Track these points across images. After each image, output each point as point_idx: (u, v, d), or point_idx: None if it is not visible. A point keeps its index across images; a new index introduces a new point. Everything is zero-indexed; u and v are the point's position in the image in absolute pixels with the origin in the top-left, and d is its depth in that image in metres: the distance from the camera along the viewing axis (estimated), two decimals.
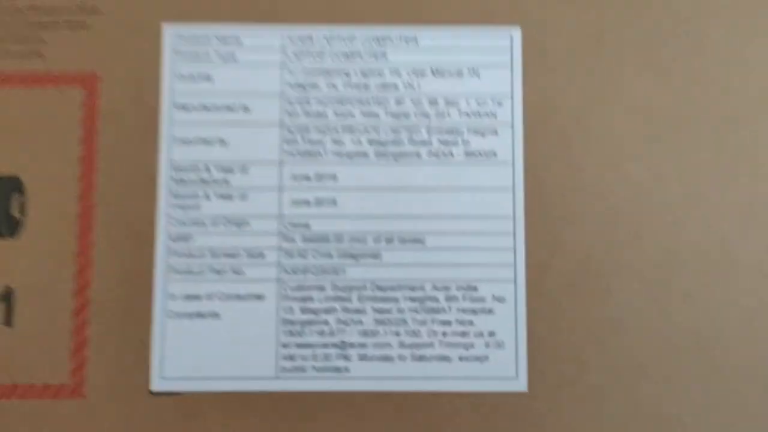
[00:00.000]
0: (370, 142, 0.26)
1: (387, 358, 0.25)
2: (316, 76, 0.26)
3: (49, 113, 0.25)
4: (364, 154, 0.25)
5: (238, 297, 0.25)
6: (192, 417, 0.25)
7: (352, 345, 0.25)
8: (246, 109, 0.26)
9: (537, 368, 0.25)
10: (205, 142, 0.25)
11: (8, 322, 0.25)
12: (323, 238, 0.25)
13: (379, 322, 0.25)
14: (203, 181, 0.25)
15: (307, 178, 0.25)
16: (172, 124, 0.25)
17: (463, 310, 0.25)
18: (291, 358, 0.25)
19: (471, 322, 0.25)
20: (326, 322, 0.25)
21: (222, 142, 0.25)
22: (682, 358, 0.25)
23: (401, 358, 0.25)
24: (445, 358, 0.25)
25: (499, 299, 0.25)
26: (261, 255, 0.25)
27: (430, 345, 0.25)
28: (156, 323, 0.25)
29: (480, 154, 0.26)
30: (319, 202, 0.25)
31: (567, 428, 0.25)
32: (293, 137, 0.26)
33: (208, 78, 0.26)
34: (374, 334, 0.25)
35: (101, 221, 0.25)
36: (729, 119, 0.26)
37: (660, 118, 0.26)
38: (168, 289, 0.25)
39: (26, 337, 0.25)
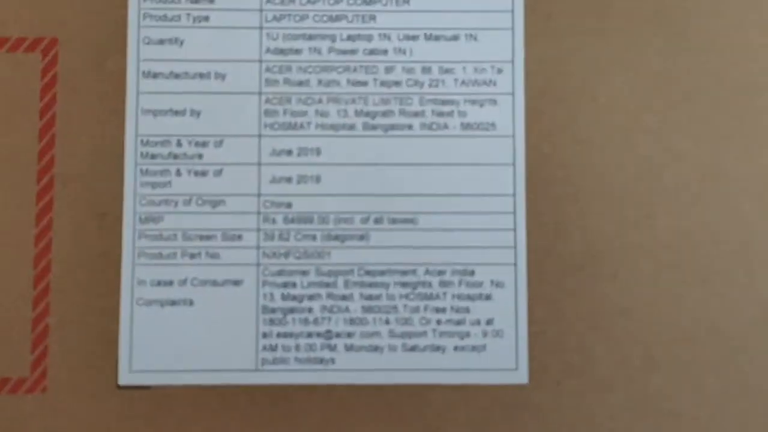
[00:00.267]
0: (358, 113, 0.24)
1: (376, 349, 0.23)
2: (298, 41, 0.24)
3: (4, 81, 0.24)
4: (351, 127, 0.24)
5: (214, 283, 0.23)
6: (164, 413, 0.23)
7: (338, 334, 0.23)
8: (221, 76, 0.24)
9: (538, 359, 0.23)
10: (176, 113, 0.24)
11: None
12: (306, 219, 0.24)
13: (367, 309, 0.24)
14: (174, 156, 0.24)
15: (289, 152, 0.24)
16: (139, 94, 0.24)
17: (459, 297, 0.24)
18: (272, 348, 0.23)
19: (467, 309, 0.24)
20: (310, 310, 0.23)
21: (195, 113, 0.24)
22: (696, 348, 0.23)
23: (391, 348, 0.23)
24: (439, 348, 0.23)
25: (498, 284, 0.24)
26: (238, 237, 0.23)
27: (423, 334, 0.23)
28: (124, 312, 0.23)
29: (477, 126, 0.24)
30: (302, 179, 0.24)
31: (570, 423, 0.23)
32: (273, 108, 0.24)
33: (178, 42, 0.24)
34: (362, 322, 0.23)
35: (62, 201, 0.23)
36: (750, 88, 0.24)
37: (674, 88, 0.24)
38: (137, 274, 0.23)
39: None
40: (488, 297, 0.24)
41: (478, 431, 0.23)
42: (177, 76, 0.24)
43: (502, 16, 0.24)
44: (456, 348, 0.23)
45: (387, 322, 0.24)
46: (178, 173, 0.24)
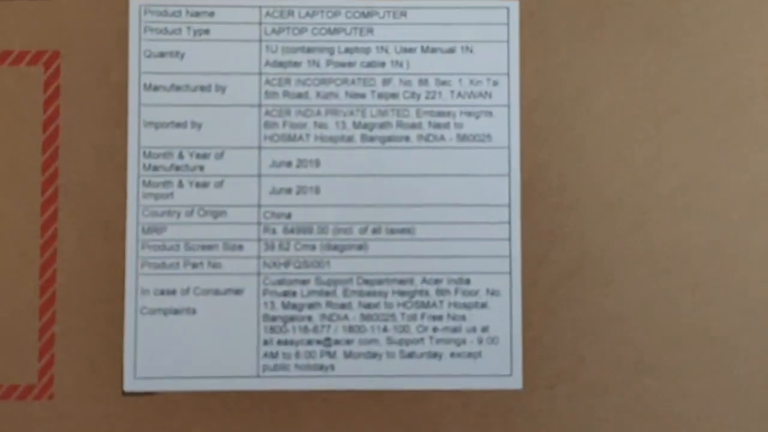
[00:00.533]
0: (356, 125, 0.24)
1: (374, 355, 0.24)
2: (297, 54, 0.24)
3: (7, 94, 0.24)
4: (349, 138, 0.24)
5: (216, 292, 0.24)
6: (168, 418, 0.24)
7: (337, 342, 0.24)
8: (221, 89, 0.24)
9: (533, 365, 0.24)
10: (178, 125, 0.24)
11: None
12: (306, 229, 0.24)
13: (365, 317, 0.24)
14: (176, 168, 0.24)
15: (288, 164, 0.24)
16: (141, 106, 0.24)
17: (455, 304, 0.24)
18: (273, 355, 0.24)
19: (463, 317, 0.24)
20: (310, 318, 0.24)
21: (196, 125, 0.24)
22: (688, 353, 0.24)
23: (389, 355, 0.24)
24: (435, 355, 0.24)
25: (494, 293, 0.24)
26: (239, 247, 0.24)
27: (420, 341, 0.24)
28: (128, 320, 0.24)
29: (473, 137, 0.24)
30: (302, 190, 0.24)
31: (564, 427, 0.24)
32: (273, 120, 0.24)
33: (179, 55, 0.24)
34: (361, 329, 0.24)
35: (66, 212, 0.24)
36: (742, 97, 0.24)
37: (667, 98, 0.24)
38: (140, 283, 0.24)
39: None
40: (484, 305, 0.24)
41: None
42: (178, 88, 0.24)
43: (498, 29, 0.24)
44: (452, 354, 0.24)
45: (385, 329, 0.24)
46: (180, 184, 0.24)
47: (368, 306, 0.24)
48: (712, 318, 0.24)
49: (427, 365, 0.24)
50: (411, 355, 0.24)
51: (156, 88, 0.24)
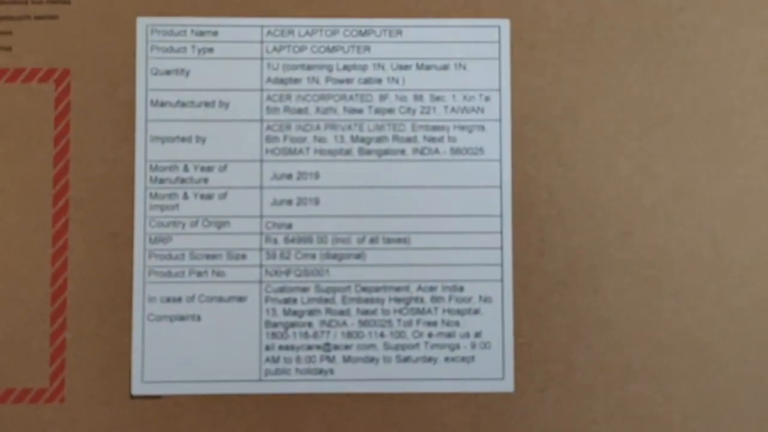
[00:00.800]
0: (354, 138, 0.25)
1: (372, 360, 0.25)
2: (297, 71, 0.25)
3: (20, 110, 0.25)
4: (347, 152, 0.25)
5: (220, 299, 0.24)
6: (174, 421, 0.24)
7: (336, 347, 0.25)
8: (225, 105, 0.25)
9: (524, 369, 0.25)
10: (183, 139, 0.25)
11: None
12: (306, 239, 0.25)
13: (363, 323, 0.25)
14: (181, 181, 0.25)
15: (289, 176, 0.25)
16: (148, 122, 0.25)
17: (449, 311, 0.25)
18: (274, 360, 0.24)
19: (457, 323, 0.25)
20: (310, 324, 0.25)
21: (200, 139, 0.25)
22: (671, 357, 0.25)
23: (386, 359, 0.25)
24: (430, 360, 0.25)
25: (486, 299, 0.25)
26: (242, 256, 0.25)
27: (416, 346, 0.25)
28: (136, 326, 0.24)
29: (466, 150, 0.25)
30: (302, 202, 0.25)
31: (554, 429, 0.25)
32: (274, 134, 0.25)
33: (184, 73, 0.25)
34: (359, 335, 0.25)
35: (77, 223, 0.24)
36: (722, 114, 0.25)
37: (651, 114, 0.25)
38: (147, 291, 0.24)
39: (4, 341, 0.24)
40: (477, 311, 0.25)
41: None
42: (183, 104, 0.25)
43: (490, 47, 0.25)
44: (447, 359, 0.25)
45: (382, 335, 0.25)
46: (186, 196, 0.25)
47: (366, 312, 0.25)
48: (694, 324, 0.25)
49: (422, 369, 0.25)
50: (407, 359, 0.25)
51: (162, 104, 0.25)
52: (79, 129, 0.25)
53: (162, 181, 0.25)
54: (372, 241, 0.25)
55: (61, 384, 0.24)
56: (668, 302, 0.25)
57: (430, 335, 0.25)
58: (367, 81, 0.25)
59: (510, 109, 0.25)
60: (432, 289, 0.25)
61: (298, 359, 0.24)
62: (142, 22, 0.25)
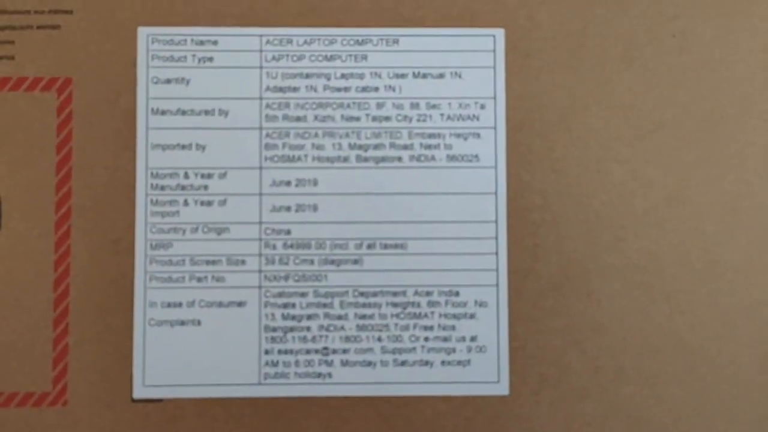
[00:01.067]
0: (351, 146, 0.25)
1: (369, 364, 0.25)
2: (296, 80, 0.25)
3: (22, 119, 0.25)
4: (345, 159, 0.25)
5: (220, 304, 0.25)
6: (175, 424, 0.25)
7: (334, 351, 0.25)
8: (224, 113, 0.25)
9: (519, 372, 0.25)
10: (183, 147, 0.25)
11: None
12: (304, 245, 0.25)
13: (361, 327, 0.25)
14: (182, 188, 0.25)
15: (288, 183, 0.25)
16: (149, 130, 0.25)
17: (445, 315, 0.25)
18: (273, 364, 0.25)
19: (453, 327, 0.25)
20: (308, 329, 0.25)
21: (200, 147, 0.25)
22: (663, 360, 0.25)
23: (383, 363, 0.25)
24: (427, 363, 0.25)
25: (482, 304, 0.25)
26: (242, 262, 0.25)
27: (413, 350, 0.25)
28: (137, 331, 0.25)
29: (462, 158, 0.25)
30: (300, 208, 0.25)
31: (548, 431, 0.25)
32: (273, 142, 0.25)
33: (185, 81, 0.25)
34: (356, 339, 0.25)
35: (79, 229, 0.25)
36: (713, 120, 0.26)
37: (644, 120, 0.26)
38: (148, 296, 0.25)
39: (7, 346, 0.25)
40: (472, 316, 0.25)
41: None
42: (184, 112, 0.25)
43: (485, 56, 0.26)
44: (443, 363, 0.25)
45: (379, 339, 0.25)
46: (186, 203, 0.25)
47: (363, 317, 0.25)
48: (686, 327, 0.25)
49: (419, 373, 0.25)
50: (404, 363, 0.25)
51: (163, 113, 0.25)
52: (81, 137, 0.25)
53: (163, 188, 0.25)
54: (369, 246, 0.25)
55: (63, 388, 0.25)
56: (660, 306, 0.25)
57: (426, 339, 0.25)
58: (364, 89, 0.25)
59: (505, 116, 0.25)
60: (428, 293, 0.25)
61: (296, 363, 0.25)
62: (143, 32, 0.25)
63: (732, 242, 0.25)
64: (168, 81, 0.25)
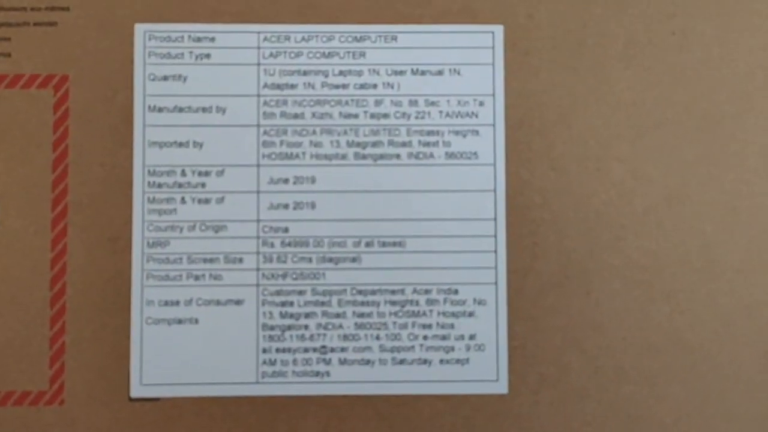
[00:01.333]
0: (349, 143, 0.25)
1: (368, 362, 0.25)
2: (294, 77, 0.25)
3: (19, 116, 0.25)
4: (343, 156, 0.25)
5: (217, 303, 0.25)
6: (172, 422, 0.25)
7: (332, 349, 0.25)
8: (222, 110, 0.25)
9: (518, 371, 0.25)
10: (181, 144, 0.25)
11: None
12: (302, 243, 0.25)
13: (359, 326, 0.25)
14: (179, 185, 0.25)
15: (286, 181, 0.25)
16: (145, 127, 0.25)
17: (444, 314, 0.25)
18: (271, 362, 0.25)
19: (452, 326, 0.25)
20: (306, 327, 0.25)
21: (198, 144, 0.25)
22: (663, 359, 0.25)
23: (382, 361, 0.25)
24: (426, 362, 0.25)
25: (480, 302, 0.25)
26: (239, 260, 0.25)
27: (411, 348, 0.25)
28: (134, 330, 0.25)
29: (461, 155, 0.25)
30: (298, 206, 0.25)
31: (547, 430, 0.25)
32: (271, 139, 0.25)
33: (182, 78, 0.25)
34: (355, 338, 0.25)
35: (75, 227, 0.25)
36: (713, 119, 0.26)
37: (643, 118, 0.25)
38: (146, 295, 0.25)
39: (4, 344, 0.24)
40: (471, 314, 0.25)
41: None
42: (181, 110, 0.25)
43: (484, 53, 0.25)
44: (441, 361, 0.25)
45: (378, 337, 0.25)
46: (183, 201, 0.25)
47: (362, 315, 0.25)
48: (685, 326, 0.25)
49: (417, 371, 0.25)
50: (402, 361, 0.25)
51: (160, 110, 0.25)
52: (78, 134, 0.25)
53: (160, 185, 0.25)
54: (368, 244, 0.25)
55: (60, 387, 0.24)
56: (660, 305, 0.25)
57: (425, 338, 0.25)
58: (362, 86, 0.25)
59: (504, 113, 0.25)
60: (427, 292, 0.25)
61: (294, 362, 0.25)
62: (140, 29, 0.25)
63: (732, 242, 0.25)
64: (165, 78, 0.25)
